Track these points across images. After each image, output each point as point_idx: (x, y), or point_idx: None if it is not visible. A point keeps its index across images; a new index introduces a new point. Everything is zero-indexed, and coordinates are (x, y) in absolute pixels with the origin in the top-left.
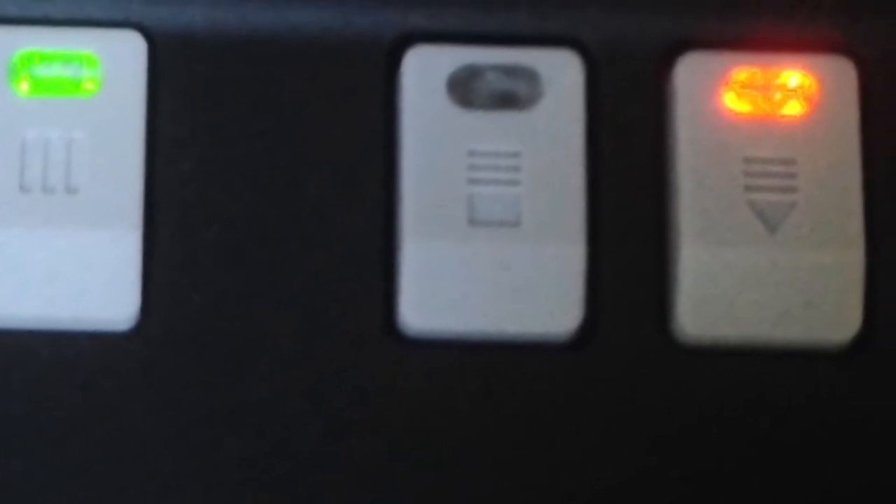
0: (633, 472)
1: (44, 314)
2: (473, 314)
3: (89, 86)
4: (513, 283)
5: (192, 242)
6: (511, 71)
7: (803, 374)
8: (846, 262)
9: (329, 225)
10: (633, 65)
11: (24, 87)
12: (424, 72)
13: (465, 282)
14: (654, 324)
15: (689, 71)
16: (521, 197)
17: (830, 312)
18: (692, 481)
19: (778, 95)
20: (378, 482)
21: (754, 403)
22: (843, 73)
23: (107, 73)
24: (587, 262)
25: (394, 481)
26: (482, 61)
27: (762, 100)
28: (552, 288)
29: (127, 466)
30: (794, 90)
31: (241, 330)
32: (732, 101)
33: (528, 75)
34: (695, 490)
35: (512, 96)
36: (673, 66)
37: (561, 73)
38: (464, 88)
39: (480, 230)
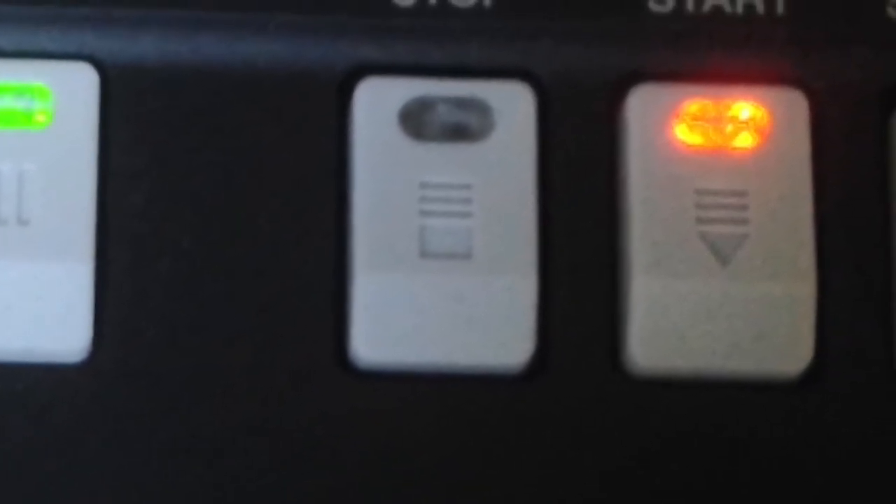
0: None
1: None
2: (425, 346)
3: (41, 118)
4: (464, 315)
5: (143, 274)
6: (463, 103)
7: (755, 406)
8: (798, 294)
9: (281, 257)
10: (585, 97)
11: None
12: (376, 104)
13: (417, 314)
14: (605, 356)
15: (640, 103)
16: (472, 229)
17: (782, 344)
18: None
19: (729, 127)
20: None
21: (706, 435)
22: (794, 105)
23: (59, 105)
24: (539, 294)
25: None
26: (434, 93)
27: (714, 132)
28: (504, 320)
29: (78, 499)
30: (746, 122)
31: (193, 362)
32: (684, 133)
33: (480, 107)
34: None
35: (463, 128)
36: (624, 98)
37: (512, 106)
38: (415, 120)
39: (432, 262)
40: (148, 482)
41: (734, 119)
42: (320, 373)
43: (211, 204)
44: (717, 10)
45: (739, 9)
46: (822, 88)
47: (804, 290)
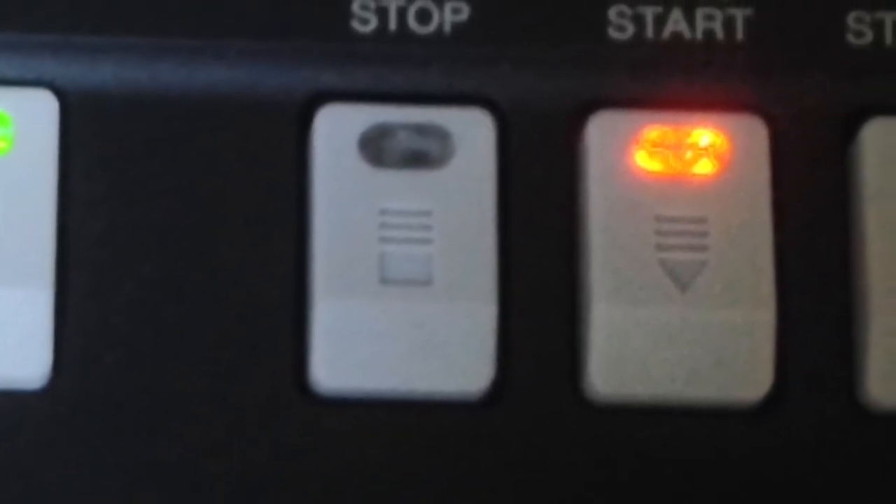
0: None
1: None
2: (385, 373)
3: (1, 145)
4: (424, 341)
5: (104, 301)
6: (422, 130)
7: (715, 433)
8: (757, 320)
9: (241, 284)
10: (545, 123)
11: None
12: (336, 131)
13: (377, 340)
14: (565, 382)
15: (600, 130)
16: (432, 255)
17: (742, 371)
18: None
19: (689, 154)
20: None
21: (666, 462)
22: (754, 132)
23: (19, 132)
24: (498, 320)
25: None
26: (393, 120)
27: (673, 158)
28: (464, 346)
29: None
30: (706, 149)
31: (153, 389)
32: (643, 160)
33: (440, 134)
34: None
35: (423, 155)
36: (584, 125)
37: (472, 132)
38: (375, 147)
39: (392, 289)
40: None
41: (694, 146)
42: (280, 399)
43: (171, 230)
44: (677, 36)
45: (699, 35)
46: (782, 115)
47: (764, 317)
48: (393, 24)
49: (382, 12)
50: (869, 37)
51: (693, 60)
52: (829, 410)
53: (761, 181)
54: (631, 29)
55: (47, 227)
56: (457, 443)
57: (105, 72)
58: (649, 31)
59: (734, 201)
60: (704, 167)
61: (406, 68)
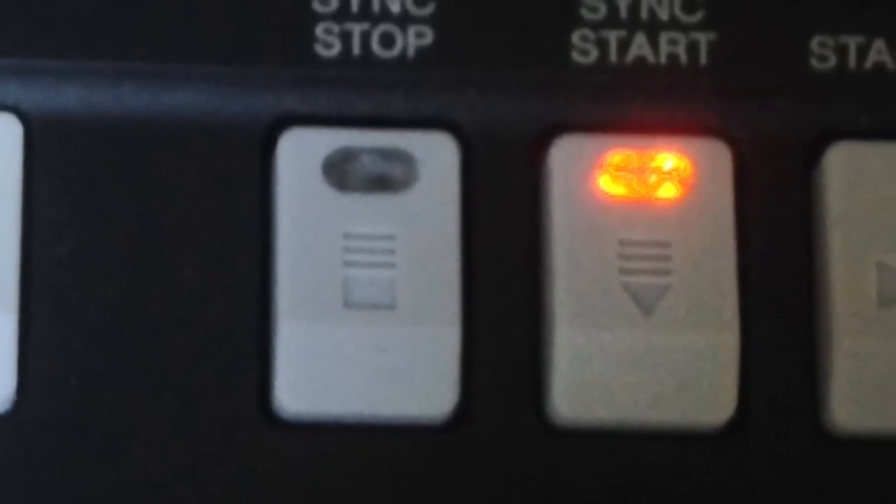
0: None
1: None
2: (348, 396)
3: None
4: (388, 365)
5: (68, 325)
6: (386, 154)
7: (678, 457)
8: (721, 344)
9: (205, 308)
10: (508, 147)
11: None
12: (299, 154)
13: (340, 364)
14: (529, 406)
15: (563, 153)
16: (396, 280)
17: (705, 395)
18: None
19: (653, 178)
20: None
21: (630, 486)
22: (717, 156)
23: None
24: (462, 344)
25: None
26: (357, 144)
27: (637, 182)
28: (427, 370)
29: None
30: (669, 173)
31: (117, 412)
32: (607, 184)
33: (403, 158)
34: None
35: (387, 179)
36: (548, 149)
37: (436, 156)
38: (339, 171)
39: (355, 313)
40: None
41: (657, 170)
42: (244, 423)
43: (135, 254)
44: (641, 60)
45: (663, 59)
46: (746, 139)
47: (727, 341)
48: (357, 49)
49: (346, 37)
50: (832, 61)
51: (657, 85)
52: (793, 435)
53: (725, 205)
54: (594, 53)
55: (11, 251)
56: (420, 467)
57: (69, 96)
58: (613, 56)
59: (698, 225)
60: (668, 191)
61: (370, 92)
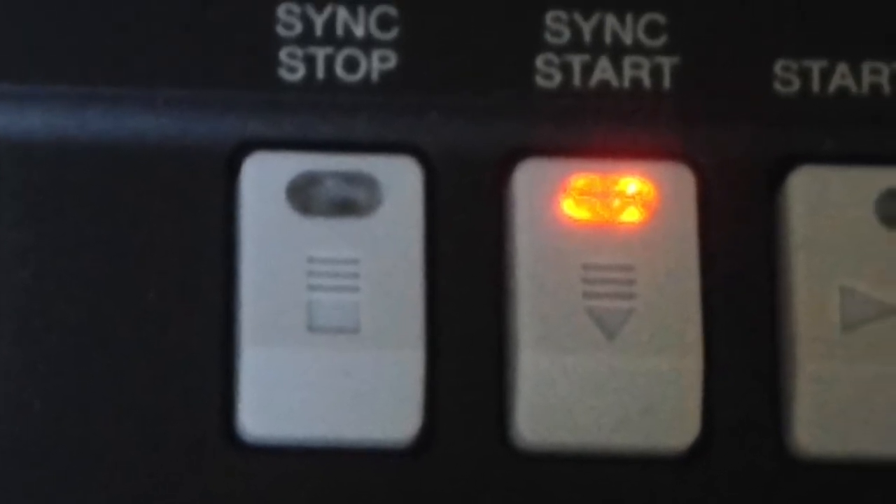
0: None
1: None
2: (313, 420)
3: None
4: (352, 389)
5: (32, 349)
6: (350, 178)
7: (643, 481)
8: (684, 368)
9: (169, 332)
10: (472, 172)
11: None
12: (264, 179)
13: (305, 388)
14: (493, 430)
15: (527, 178)
16: (360, 304)
17: (669, 418)
18: None
19: (616, 202)
20: None
21: None
22: (681, 180)
23: None
24: (426, 368)
25: None
26: (321, 168)
27: (600, 207)
28: (391, 394)
29: None
30: (633, 197)
31: (81, 437)
32: (571, 208)
33: (367, 182)
34: None
35: (351, 203)
36: (511, 173)
37: (400, 180)
38: (303, 195)
39: (319, 336)
40: None
41: (621, 194)
42: (208, 447)
43: (99, 278)
44: (604, 85)
45: (626, 84)
46: (709, 163)
47: (691, 365)
48: (321, 73)
49: (310, 60)
50: (796, 85)
51: (620, 109)
52: (757, 458)
53: (688, 229)
54: (558, 77)
55: None
56: (385, 490)
57: (33, 120)
58: (576, 80)
59: (661, 249)
60: (632, 215)
61: (334, 116)
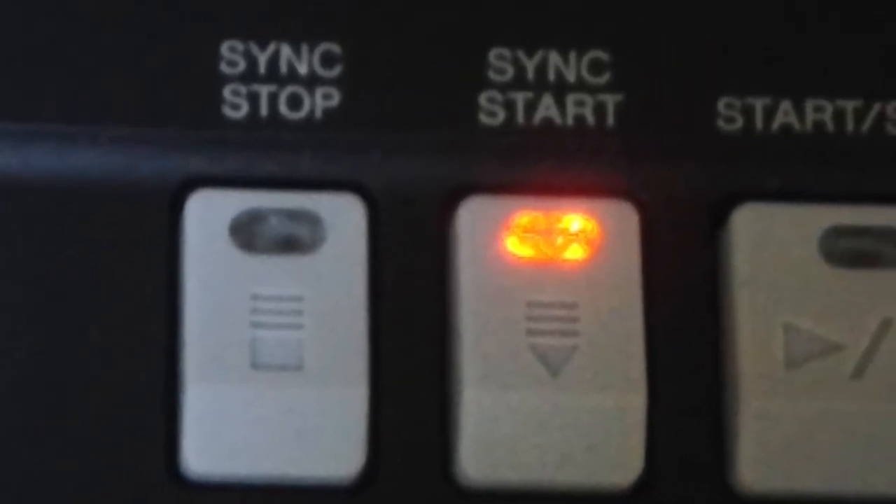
0: None
1: None
2: (256, 458)
3: None
4: (295, 426)
5: None
6: (294, 215)
7: None
8: (628, 405)
9: (112, 368)
10: (416, 209)
11: None
12: (207, 216)
13: (248, 425)
14: (436, 467)
15: (470, 215)
16: (303, 341)
17: (613, 456)
18: None
19: (560, 240)
20: None
21: None
22: (624, 218)
23: None
24: (369, 405)
25: None
26: (265, 205)
27: (544, 244)
28: (335, 431)
29: None
30: (576, 234)
31: (24, 474)
32: (514, 246)
33: (311, 219)
34: None
35: (294, 240)
36: (455, 210)
37: (343, 218)
38: (246, 232)
39: (263, 374)
40: None
41: (564, 231)
42: (152, 484)
43: (42, 316)
44: (548, 122)
45: (570, 121)
46: (653, 201)
47: (634, 402)
48: (264, 110)
49: (254, 98)
50: (739, 122)
51: (564, 146)
52: (700, 495)
53: (632, 266)
54: (502, 115)
55: None
56: None
57: None
58: (520, 117)
59: (605, 287)
60: (575, 252)
61: (277, 154)
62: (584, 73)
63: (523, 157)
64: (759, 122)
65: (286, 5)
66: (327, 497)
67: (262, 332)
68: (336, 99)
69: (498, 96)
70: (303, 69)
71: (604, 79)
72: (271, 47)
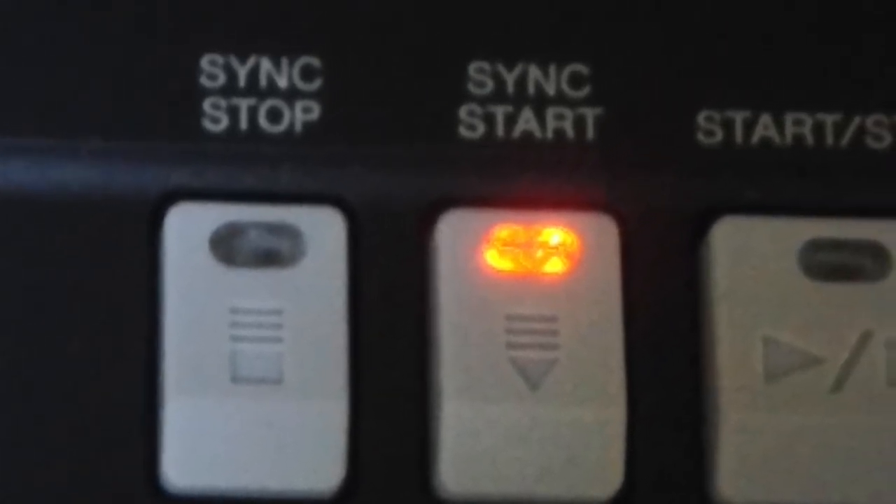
0: None
1: None
2: (236, 471)
3: None
4: (275, 439)
5: None
6: (273, 228)
7: None
8: (608, 418)
9: (91, 382)
10: (395, 222)
11: None
12: (187, 229)
13: (228, 439)
14: (416, 481)
15: (450, 228)
16: (283, 354)
17: (592, 469)
18: None
19: (540, 253)
20: None
21: None
22: (604, 231)
23: None
24: (349, 419)
25: None
26: (245, 219)
27: (524, 257)
28: (314, 445)
29: None
30: (556, 248)
31: (4, 487)
32: (494, 259)
33: (291, 233)
34: None
35: (274, 254)
36: (435, 224)
37: (323, 231)
38: (226, 246)
39: (243, 387)
40: None
41: (544, 244)
42: (131, 498)
43: (22, 329)
44: (527, 135)
45: (549, 134)
46: (633, 214)
47: (614, 415)
48: (244, 124)
49: (233, 111)
50: (719, 136)
51: (543, 159)
52: None
53: (612, 280)
54: (481, 128)
55: None
56: None
57: None
58: (500, 131)
59: (585, 300)
60: (555, 266)
61: (257, 167)
62: (564, 87)
63: (503, 170)
64: (738, 136)
65: (266, 19)
66: None
67: (242, 345)
68: (316, 112)
69: (478, 109)
70: (283, 83)
71: (584, 92)
72: (251, 61)
